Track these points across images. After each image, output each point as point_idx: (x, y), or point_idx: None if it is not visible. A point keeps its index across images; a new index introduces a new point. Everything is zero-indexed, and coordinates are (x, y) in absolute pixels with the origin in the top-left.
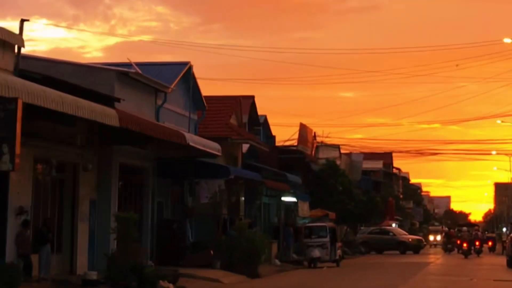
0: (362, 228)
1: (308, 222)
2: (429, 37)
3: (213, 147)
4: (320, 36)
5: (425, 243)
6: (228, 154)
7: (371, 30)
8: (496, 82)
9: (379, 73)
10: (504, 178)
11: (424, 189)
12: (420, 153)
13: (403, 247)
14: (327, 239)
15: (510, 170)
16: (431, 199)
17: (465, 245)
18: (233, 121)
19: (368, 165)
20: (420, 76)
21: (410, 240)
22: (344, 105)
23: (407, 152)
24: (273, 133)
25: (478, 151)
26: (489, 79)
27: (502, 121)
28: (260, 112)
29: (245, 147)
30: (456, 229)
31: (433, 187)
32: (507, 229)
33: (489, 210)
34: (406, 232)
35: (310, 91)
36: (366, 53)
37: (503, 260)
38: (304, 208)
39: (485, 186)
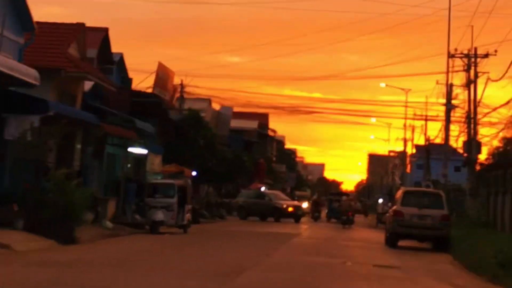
0: (243, 190)
1: (161, 179)
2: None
3: (27, 73)
4: None
5: (305, 210)
6: (64, 91)
7: None
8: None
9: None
10: (380, 148)
11: (299, 155)
12: (296, 110)
13: (278, 214)
14: (174, 200)
15: (388, 140)
16: (305, 166)
17: (349, 214)
18: (75, 53)
19: (243, 124)
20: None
21: (285, 206)
22: (229, 69)
23: (282, 108)
24: (134, 78)
25: (358, 111)
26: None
27: (386, 85)
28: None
29: (89, 85)
30: (328, 198)
31: (309, 154)
32: (383, 200)
33: (362, 180)
34: (288, 197)
35: (193, 52)
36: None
37: (379, 235)
38: (155, 162)
39: (359, 156)
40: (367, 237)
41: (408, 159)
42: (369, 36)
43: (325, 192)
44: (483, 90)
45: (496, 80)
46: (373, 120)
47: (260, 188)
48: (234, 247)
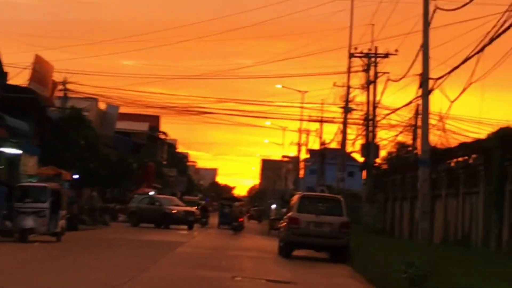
0: (136, 195)
1: (35, 182)
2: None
3: None
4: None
5: (198, 216)
6: None
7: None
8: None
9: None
10: (275, 153)
11: (192, 159)
12: (187, 110)
13: (168, 220)
14: (46, 205)
15: (282, 144)
16: (198, 170)
17: (240, 220)
18: None
19: (132, 126)
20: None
21: (175, 212)
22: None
23: (173, 108)
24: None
25: (253, 112)
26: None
27: (283, 86)
28: None
29: None
30: (219, 203)
31: (202, 159)
32: (276, 206)
33: (255, 185)
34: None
35: (82, 53)
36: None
37: (272, 243)
38: (30, 164)
39: (252, 161)
40: (259, 246)
41: (302, 164)
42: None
43: (217, 197)
44: (383, 91)
45: (396, 81)
46: (267, 123)
47: (148, 192)
48: (109, 258)
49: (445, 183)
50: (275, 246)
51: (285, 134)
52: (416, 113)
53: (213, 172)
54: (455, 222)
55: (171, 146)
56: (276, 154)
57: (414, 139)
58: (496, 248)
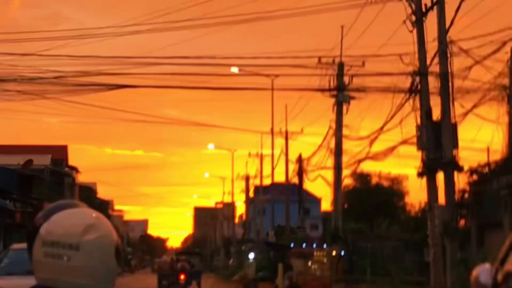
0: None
1: None
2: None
3: None
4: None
5: None
6: None
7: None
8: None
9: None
10: (213, 195)
11: (117, 208)
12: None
13: None
14: None
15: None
16: (126, 222)
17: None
18: None
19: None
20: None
21: None
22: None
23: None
24: None
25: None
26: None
27: (240, 69)
28: None
29: None
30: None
31: (133, 213)
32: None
33: (190, 235)
34: None
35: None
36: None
37: None
38: None
39: (183, 213)
40: None
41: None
42: None
43: (149, 251)
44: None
45: None
46: (210, 146)
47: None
48: None
49: None
50: None
51: (232, 163)
52: None
53: (143, 223)
54: None
55: (87, 189)
56: (213, 198)
57: None
58: None
